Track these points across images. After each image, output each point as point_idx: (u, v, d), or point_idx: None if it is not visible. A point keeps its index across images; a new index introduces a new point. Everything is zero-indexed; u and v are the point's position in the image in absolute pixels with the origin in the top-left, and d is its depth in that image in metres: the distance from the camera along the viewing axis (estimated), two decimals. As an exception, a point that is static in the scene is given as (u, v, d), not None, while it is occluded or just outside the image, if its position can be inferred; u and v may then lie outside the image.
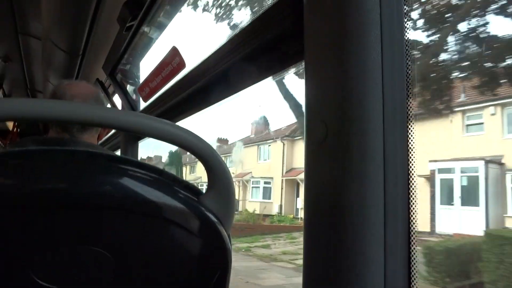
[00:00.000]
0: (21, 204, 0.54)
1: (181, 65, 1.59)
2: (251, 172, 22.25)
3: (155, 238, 0.60)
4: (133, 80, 2.52)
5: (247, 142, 23.58)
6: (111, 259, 0.57)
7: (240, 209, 19.86)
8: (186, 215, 0.60)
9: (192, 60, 1.37)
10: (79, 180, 0.57)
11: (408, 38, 0.64)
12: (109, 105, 3.08)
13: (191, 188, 0.63)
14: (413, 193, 0.63)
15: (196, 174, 24.17)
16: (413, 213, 0.63)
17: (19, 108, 0.53)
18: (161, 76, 1.82)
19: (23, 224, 0.54)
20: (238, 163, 23.30)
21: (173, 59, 1.63)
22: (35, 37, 3.25)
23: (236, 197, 0.78)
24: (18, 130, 5.63)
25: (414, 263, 0.63)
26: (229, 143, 25.58)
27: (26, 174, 0.56)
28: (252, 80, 1.07)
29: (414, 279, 0.62)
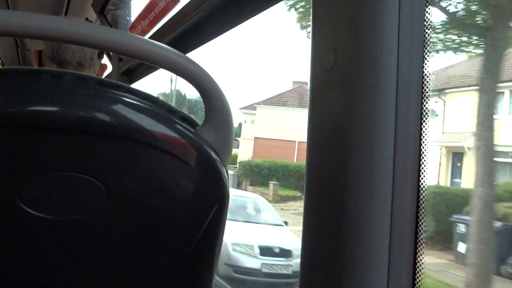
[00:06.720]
0: (4, 124, 0.49)
1: (176, -1, 1.49)
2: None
3: (150, 169, 0.56)
4: (124, 19, 2.40)
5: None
6: (102, 189, 0.53)
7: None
8: (183, 146, 0.57)
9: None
10: (68, 104, 0.53)
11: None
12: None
13: (187, 119, 0.60)
14: (425, 121, 0.59)
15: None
16: (424, 150, 0.60)
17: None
18: (154, 12, 1.72)
19: (6, 147, 0.50)
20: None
21: (167, -7, 1.53)
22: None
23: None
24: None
25: (422, 217, 0.60)
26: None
27: (10, 93, 0.51)
28: (254, 11, 1.00)
29: (422, 228, 0.60)
